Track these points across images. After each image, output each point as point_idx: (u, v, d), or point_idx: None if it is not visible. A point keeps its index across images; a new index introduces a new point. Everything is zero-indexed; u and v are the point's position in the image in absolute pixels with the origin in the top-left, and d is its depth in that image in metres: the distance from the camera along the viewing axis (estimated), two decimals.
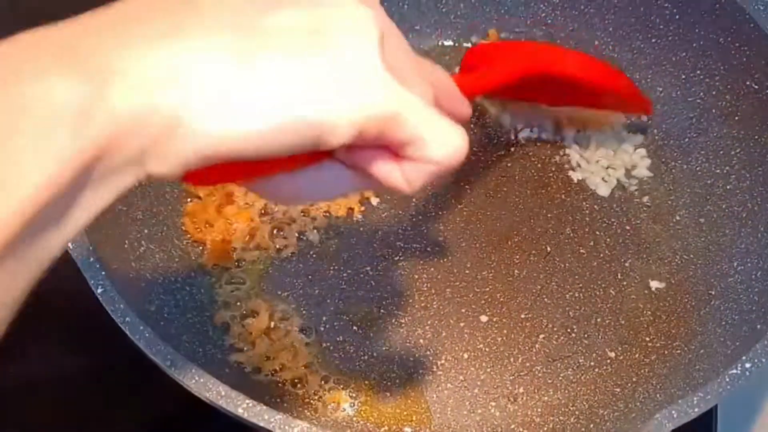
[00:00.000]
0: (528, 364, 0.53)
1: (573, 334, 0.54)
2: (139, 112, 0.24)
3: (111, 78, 0.24)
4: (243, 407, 0.40)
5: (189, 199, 0.58)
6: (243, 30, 0.26)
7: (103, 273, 0.44)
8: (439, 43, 0.67)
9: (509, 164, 0.62)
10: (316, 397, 0.51)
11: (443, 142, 0.28)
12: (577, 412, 0.51)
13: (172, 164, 0.25)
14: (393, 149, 0.29)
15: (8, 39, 0.24)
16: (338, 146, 0.27)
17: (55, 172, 0.23)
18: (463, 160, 0.29)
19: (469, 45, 0.67)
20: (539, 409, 0.52)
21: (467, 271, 0.57)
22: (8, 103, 0.23)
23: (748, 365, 0.42)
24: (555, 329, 0.54)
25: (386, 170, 0.29)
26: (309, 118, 0.26)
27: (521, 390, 0.52)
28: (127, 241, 0.52)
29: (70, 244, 0.44)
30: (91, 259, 0.44)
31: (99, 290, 0.43)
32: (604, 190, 0.60)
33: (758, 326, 0.47)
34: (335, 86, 0.26)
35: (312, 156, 0.29)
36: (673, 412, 0.40)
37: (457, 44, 0.67)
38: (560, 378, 0.53)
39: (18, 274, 0.24)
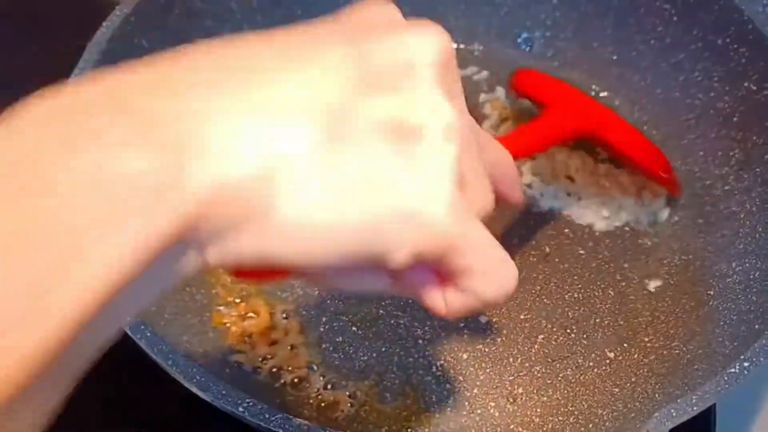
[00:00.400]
0: (527, 365, 0.53)
1: (572, 335, 0.55)
2: (222, 194, 0.21)
3: (193, 151, 0.21)
4: (243, 406, 0.40)
5: None
6: (335, 115, 0.23)
7: None
8: None
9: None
10: (316, 398, 0.51)
11: (494, 281, 0.26)
12: (576, 412, 0.51)
13: (235, 257, 0.22)
14: (440, 271, 0.26)
15: (73, 88, 0.21)
16: (394, 268, 0.25)
17: (125, 263, 0.20)
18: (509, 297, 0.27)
19: (470, 48, 0.67)
20: (538, 409, 0.52)
21: None
22: (79, 173, 0.19)
23: (746, 364, 0.42)
24: (554, 330, 0.55)
25: (429, 293, 0.27)
26: (377, 243, 0.23)
27: (520, 390, 0.52)
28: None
29: None
30: None
31: None
32: None
33: (756, 326, 0.48)
34: (406, 207, 0.23)
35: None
36: (672, 410, 0.40)
37: (456, 47, 0.67)
38: (559, 378, 0.53)
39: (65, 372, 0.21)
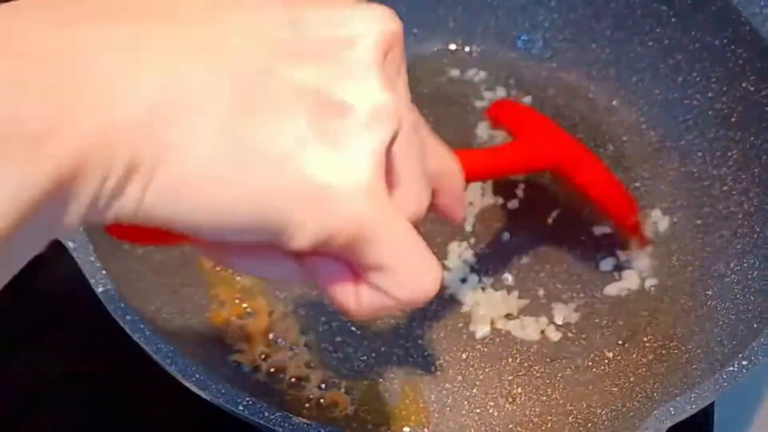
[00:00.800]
0: (526, 365, 0.53)
1: (570, 335, 0.55)
2: (106, 141, 0.19)
3: (77, 93, 0.19)
4: (243, 404, 0.40)
5: None
6: (251, 73, 0.21)
7: (104, 272, 0.44)
8: (437, 48, 0.67)
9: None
10: (315, 397, 0.51)
11: (409, 281, 0.24)
12: (575, 412, 0.52)
13: (114, 213, 0.20)
14: (354, 270, 0.24)
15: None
16: (293, 250, 0.23)
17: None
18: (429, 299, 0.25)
19: (469, 50, 0.67)
20: (537, 409, 0.52)
21: None
22: None
23: (744, 362, 0.42)
24: (553, 330, 0.55)
25: (339, 287, 0.24)
26: (276, 218, 0.21)
27: (519, 390, 0.53)
28: (126, 244, 0.52)
29: (70, 244, 0.45)
30: (92, 258, 0.44)
31: (100, 289, 0.43)
32: None
33: (755, 325, 0.48)
34: (315, 184, 0.22)
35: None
36: (671, 409, 0.40)
37: (455, 48, 0.67)
38: (558, 378, 0.53)
39: None
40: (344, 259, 0.24)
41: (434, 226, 0.57)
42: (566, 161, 0.56)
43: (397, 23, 0.25)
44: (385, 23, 0.24)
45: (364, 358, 0.53)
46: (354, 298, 0.24)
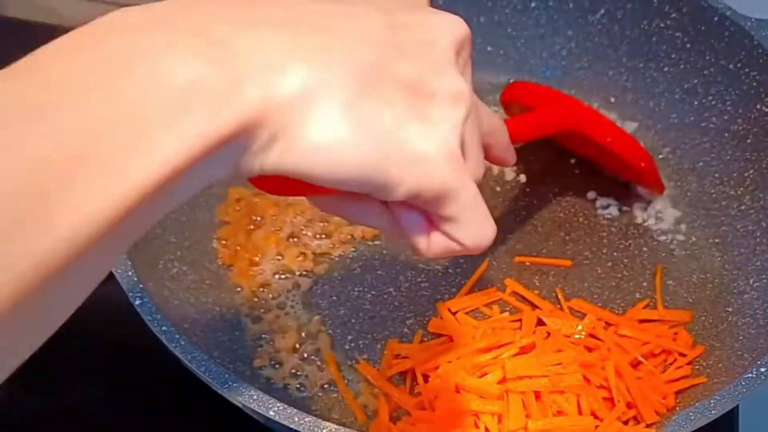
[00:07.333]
0: None
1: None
2: (270, 107, 0.25)
3: (252, 68, 0.25)
4: (274, 410, 0.41)
5: (220, 224, 0.60)
6: (367, 67, 0.27)
7: (141, 286, 0.46)
8: None
9: (527, 190, 0.64)
10: (342, 408, 0.53)
11: (476, 232, 0.30)
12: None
13: (264, 165, 0.26)
14: (429, 215, 0.30)
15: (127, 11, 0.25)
16: (389, 200, 0.29)
17: (187, 151, 0.24)
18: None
19: (488, 80, 0.69)
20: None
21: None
22: (144, 74, 0.23)
23: (763, 369, 0.43)
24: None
25: (417, 232, 0.31)
26: (383, 175, 0.27)
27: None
28: (161, 262, 0.54)
29: None
30: (130, 273, 0.46)
31: (137, 302, 0.45)
32: (615, 211, 0.63)
33: None
34: (414, 151, 0.28)
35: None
36: (691, 414, 0.41)
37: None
38: None
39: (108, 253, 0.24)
40: (424, 210, 0.30)
41: None
42: (582, 121, 0.60)
43: (466, 28, 0.31)
44: (457, 27, 0.31)
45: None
46: (426, 241, 0.30)
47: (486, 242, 0.30)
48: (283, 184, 0.29)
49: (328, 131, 0.26)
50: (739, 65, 0.60)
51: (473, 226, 0.30)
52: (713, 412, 0.41)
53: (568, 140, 0.65)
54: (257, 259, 0.59)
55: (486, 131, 0.35)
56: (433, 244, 0.30)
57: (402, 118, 0.28)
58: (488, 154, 0.38)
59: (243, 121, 0.25)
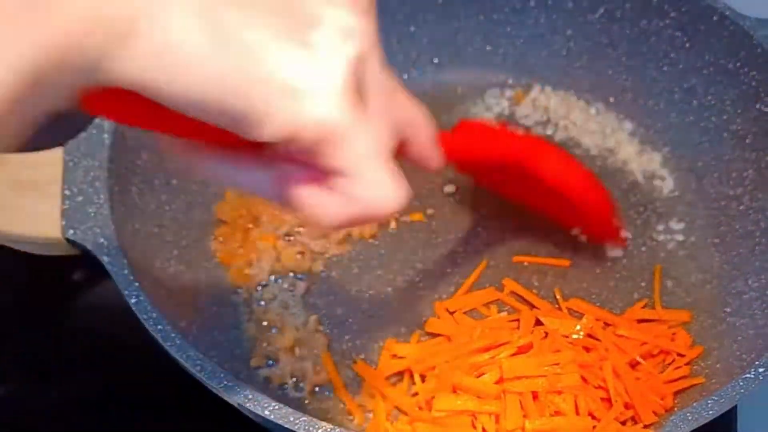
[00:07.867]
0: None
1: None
2: (103, 13, 0.22)
3: None
4: (269, 410, 0.41)
5: (217, 223, 0.60)
6: None
7: (137, 284, 0.46)
8: (456, 77, 0.69)
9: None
10: (338, 409, 0.52)
11: (375, 188, 0.26)
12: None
13: (106, 73, 0.23)
14: (322, 176, 0.26)
15: None
16: (262, 140, 0.25)
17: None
18: (394, 213, 0.27)
19: (488, 78, 0.69)
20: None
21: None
22: None
23: (761, 370, 0.43)
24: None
25: (306, 192, 0.26)
26: (248, 105, 0.24)
27: None
28: (158, 261, 0.54)
29: (105, 258, 0.47)
30: (125, 272, 0.46)
31: (132, 300, 0.45)
32: None
33: None
34: (289, 80, 0.24)
35: (233, 141, 0.26)
36: (688, 414, 0.41)
37: (474, 77, 0.69)
38: None
39: None
40: (312, 165, 0.25)
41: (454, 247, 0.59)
42: (536, 155, 0.53)
43: None
44: None
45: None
46: (321, 202, 0.26)
47: (390, 202, 0.26)
48: (130, 108, 0.25)
49: (178, 33, 0.23)
50: (738, 65, 0.60)
51: (370, 181, 0.25)
52: (711, 412, 0.41)
53: (508, 184, 0.57)
54: (255, 258, 0.59)
55: (403, 120, 0.30)
56: (328, 207, 0.26)
57: (274, 37, 0.24)
58: (406, 151, 0.33)
59: (77, 29, 0.22)
